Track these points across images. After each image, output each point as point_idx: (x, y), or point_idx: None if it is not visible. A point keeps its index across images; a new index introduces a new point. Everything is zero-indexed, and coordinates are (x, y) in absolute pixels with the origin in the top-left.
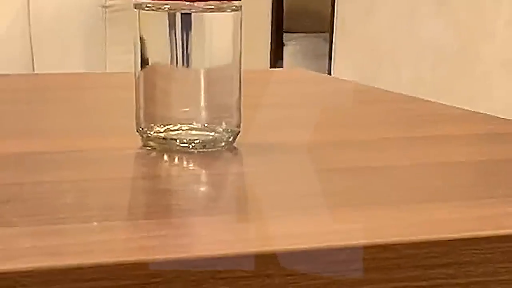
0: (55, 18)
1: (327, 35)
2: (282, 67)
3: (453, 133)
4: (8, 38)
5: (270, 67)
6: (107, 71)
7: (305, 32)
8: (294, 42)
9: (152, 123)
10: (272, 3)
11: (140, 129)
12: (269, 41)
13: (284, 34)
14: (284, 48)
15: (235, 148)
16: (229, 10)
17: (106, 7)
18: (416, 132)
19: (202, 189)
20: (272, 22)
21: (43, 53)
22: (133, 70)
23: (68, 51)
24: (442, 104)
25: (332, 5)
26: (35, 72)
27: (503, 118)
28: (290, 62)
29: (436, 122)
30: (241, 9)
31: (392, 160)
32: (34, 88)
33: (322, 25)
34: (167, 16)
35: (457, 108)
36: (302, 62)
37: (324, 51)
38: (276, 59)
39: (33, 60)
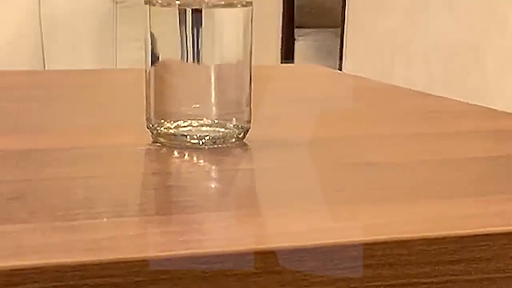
0: (65, 14)
1: (339, 30)
2: (293, 62)
3: (466, 129)
4: (19, 35)
5: (281, 63)
6: (118, 68)
7: (317, 28)
8: (305, 38)
9: (162, 119)
10: None
11: (151, 125)
12: (280, 36)
13: (296, 29)
14: (295, 43)
15: (245, 144)
16: (239, 6)
17: (116, 2)
18: (429, 128)
19: (212, 185)
20: (283, 17)
21: (53, 49)
22: (143, 67)
23: (79, 48)
24: (454, 100)
25: (343, 0)
26: (46, 68)
27: None
28: (301, 58)
29: (449, 118)
30: (251, 4)
31: (404, 156)
32: (45, 84)
33: (334, 20)
34: (177, 12)
35: (470, 104)
36: (313, 58)
37: (336, 47)
38: (287, 54)
39: (43, 56)
